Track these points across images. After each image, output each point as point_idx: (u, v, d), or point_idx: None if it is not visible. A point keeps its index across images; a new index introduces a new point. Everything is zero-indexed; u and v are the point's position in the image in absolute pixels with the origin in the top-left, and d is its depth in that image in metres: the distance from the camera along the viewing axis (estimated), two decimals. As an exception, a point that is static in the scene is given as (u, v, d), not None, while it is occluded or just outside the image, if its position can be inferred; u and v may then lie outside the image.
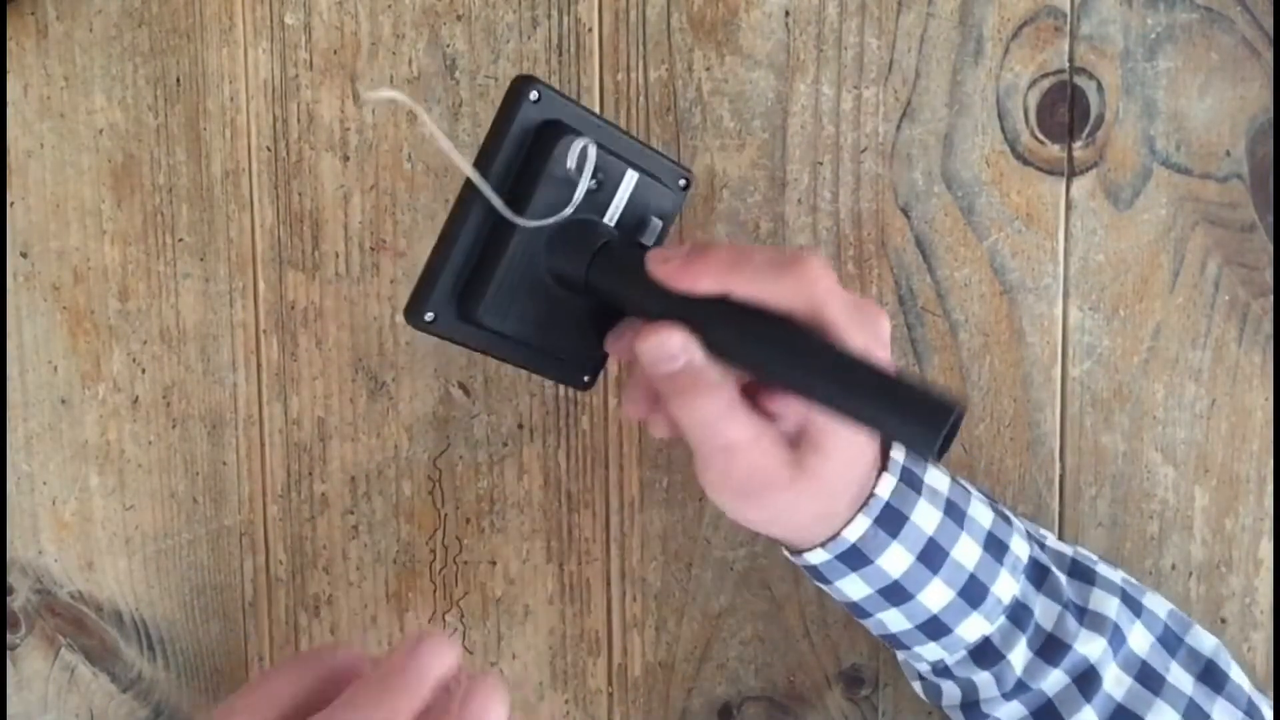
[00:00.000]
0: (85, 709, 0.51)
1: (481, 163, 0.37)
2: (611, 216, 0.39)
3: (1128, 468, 0.49)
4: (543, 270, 0.38)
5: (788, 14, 0.48)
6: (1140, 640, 0.42)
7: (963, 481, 0.43)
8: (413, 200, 0.49)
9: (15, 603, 0.51)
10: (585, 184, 0.36)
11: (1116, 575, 0.44)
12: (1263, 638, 0.50)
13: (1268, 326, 0.48)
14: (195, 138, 0.49)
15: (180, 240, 0.50)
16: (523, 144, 0.37)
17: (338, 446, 0.50)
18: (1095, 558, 0.45)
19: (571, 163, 0.36)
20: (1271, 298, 0.48)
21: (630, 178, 0.39)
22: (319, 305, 0.50)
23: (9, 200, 0.50)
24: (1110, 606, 0.42)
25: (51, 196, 0.50)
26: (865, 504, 0.39)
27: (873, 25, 0.48)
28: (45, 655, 0.51)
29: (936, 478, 0.42)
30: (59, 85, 0.49)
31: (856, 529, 0.39)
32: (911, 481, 0.41)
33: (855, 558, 0.40)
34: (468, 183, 0.37)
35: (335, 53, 0.49)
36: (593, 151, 0.36)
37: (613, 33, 0.48)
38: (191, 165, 0.49)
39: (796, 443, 0.38)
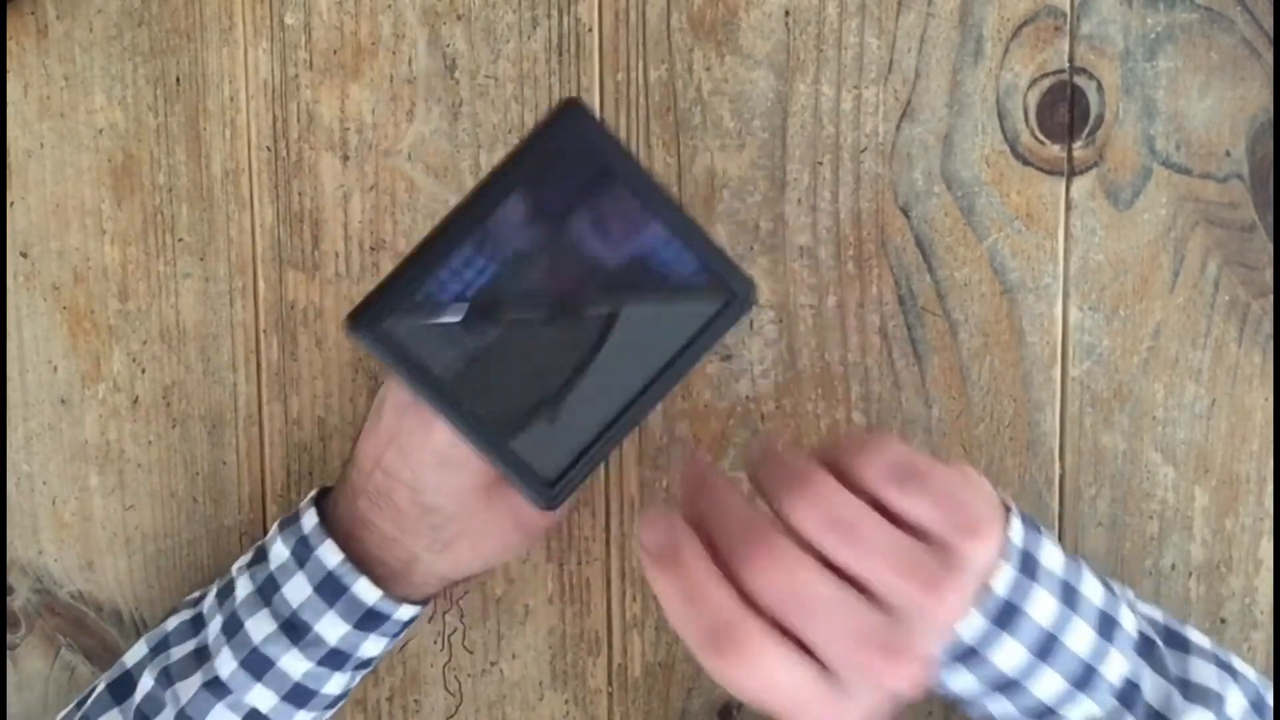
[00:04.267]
0: (85, 709, 0.51)
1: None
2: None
3: (1128, 468, 0.49)
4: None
5: (788, 14, 0.48)
6: (1236, 706, 0.41)
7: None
8: (413, 200, 0.49)
9: (15, 603, 0.51)
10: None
11: (1204, 639, 0.43)
12: (1263, 638, 0.50)
13: (1268, 326, 0.48)
14: (195, 138, 0.49)
15: (180, 240, 0.50)
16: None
17: (338, 446, 0.50)
18: (1179, 621, 0.44)
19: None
20: (1271, 298, 0.48)
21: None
22: (319, 305, 0.50)
23: (9, 200, 0.50)
24: (1210, 675, 0.41)
25: (51, 196, 0.50)
26: (981, 601, 0.37)
27: (873, 25, 0.48)
28: (45, 655, 0.51)
29: (1051, 555, 0.40)
30: (59, 85, 0.49)
31: (971, 627, 0.37)
32: (1028, 567, 0.38)
33: (970, 657, 0.38)
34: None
35: (335, 53, 0.49)
36: None
37: (613, 33, 0.48)
38: (191, 165, 0.49)
39: None
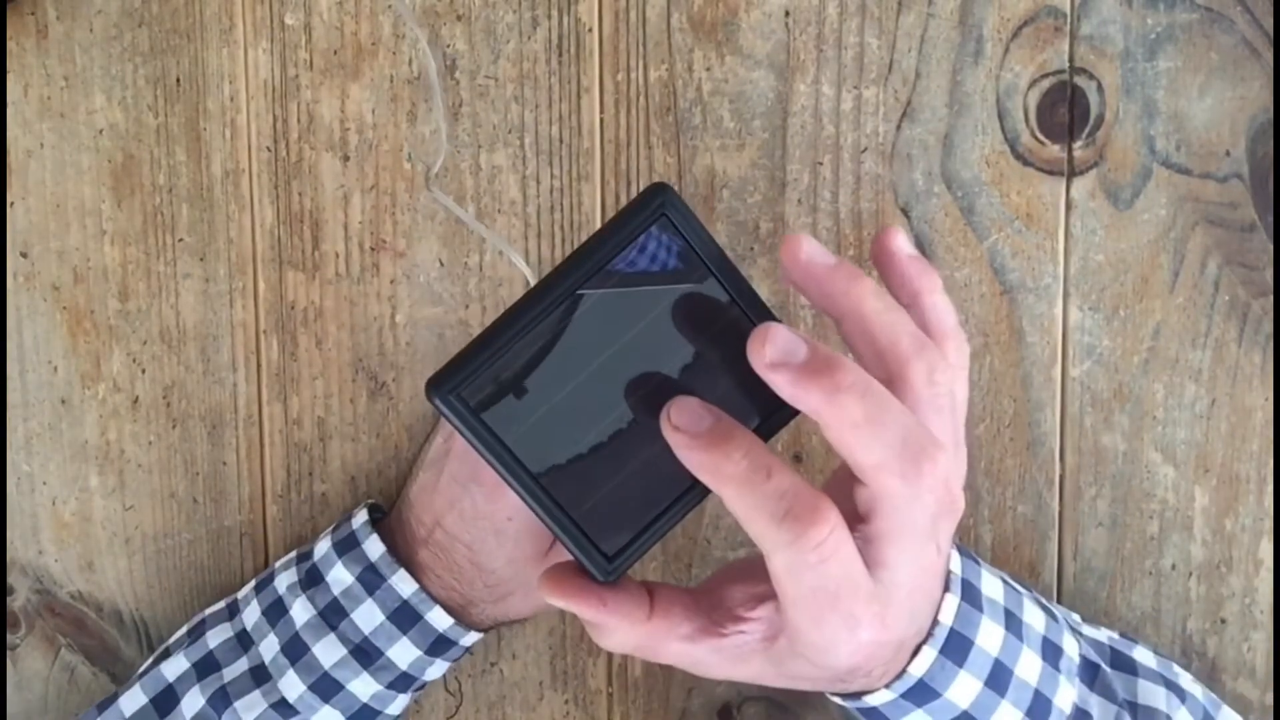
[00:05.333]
0: (85, 709, 0.51)
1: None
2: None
3: (1128, 468, 0.49)
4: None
5: (788, 14, 0.48)
6: None
7: (1003, 575, 0.41)
8: (413, 200, 0.49)
9: (15, 603, 0.51)
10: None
11: (1151, 658, 0.44)
12: (1263, 638, 0.50)
13: (1268, 326, 0.48)
14: (195, 138, 0.49)
15: (180, 240, 0.50)
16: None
17: (338, 446, 0.50)
18: (1128, 640, 0.44)
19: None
20: (1271, 298, 0.48)
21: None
22: (319, 305, 0.50)
23: (9, 200, 0.50)
24: (1158, 697, 0.41)
25: (51, 196, 0.50)
26: (930, 633, 0.36)
27: (873, 25, 0.48)
28: (45, 655, 0.51)
29: (991, 584, 0.39)
30: (59, 85, 0.49)
31: (923, 662, 0.36)
32: (971, 596, 0.38)
33: (922, 693, 0.36)
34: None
35: (335, 53, 0.49)
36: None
37: (613, 33, 0.48)
38: (191, 165, 0.49)
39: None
